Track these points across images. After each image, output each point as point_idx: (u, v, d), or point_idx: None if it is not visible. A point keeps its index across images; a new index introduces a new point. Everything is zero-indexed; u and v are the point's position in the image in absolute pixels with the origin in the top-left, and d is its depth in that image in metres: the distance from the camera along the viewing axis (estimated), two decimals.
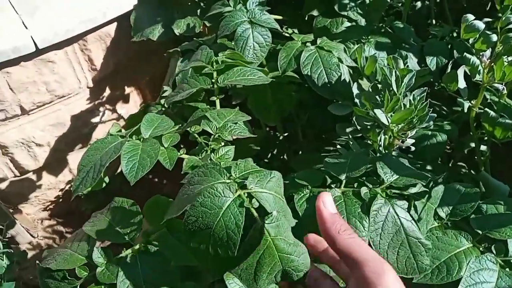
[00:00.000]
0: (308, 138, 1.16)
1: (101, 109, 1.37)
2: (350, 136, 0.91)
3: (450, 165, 1.12)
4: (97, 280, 0.59)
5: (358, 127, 0.89)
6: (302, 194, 0.66)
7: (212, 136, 0.64)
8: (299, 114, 1.12)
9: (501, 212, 0.71)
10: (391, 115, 0.74)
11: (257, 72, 0.79)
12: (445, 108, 1.12)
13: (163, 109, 1.06)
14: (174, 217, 0.53)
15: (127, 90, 1.44)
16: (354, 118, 0.90)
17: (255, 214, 0.49)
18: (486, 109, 0.86)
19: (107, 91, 1.37)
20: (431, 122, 1.03)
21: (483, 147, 1.05)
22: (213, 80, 0.73)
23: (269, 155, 1.12)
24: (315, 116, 1.11)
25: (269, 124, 1.13)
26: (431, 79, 1.01)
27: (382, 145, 0.80)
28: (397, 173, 0.64)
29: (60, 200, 1.47)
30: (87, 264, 0.61)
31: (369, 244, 0.60)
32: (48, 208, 1.48)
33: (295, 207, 0.64)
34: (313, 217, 0.50)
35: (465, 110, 0.86)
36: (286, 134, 1.23)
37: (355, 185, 0.65)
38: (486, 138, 1.06)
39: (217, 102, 0.72)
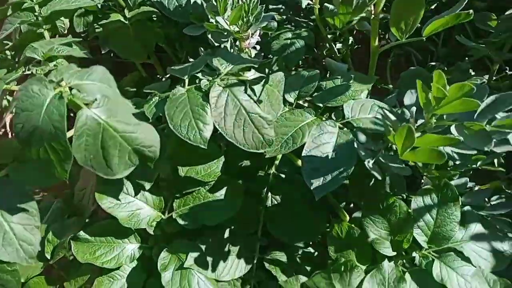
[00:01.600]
0: None
1: None
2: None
3: None
4: None
5: (215, 44, 0.93)
6: (152, 101, 0.70)
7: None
8: (169, 47, 1.14)
9: (337, 84, 0.81)
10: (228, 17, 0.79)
11: None
12: (304, 20, 1.21)
13: None
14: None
15: None
16: (210, 36, 0.94)
17: (82, 104, 0.52)
18: (325, 4, 0.95)
19: None
20: (290, 34, 1.11)
21: (339, 45, 1.16)
22: (36, 14, 0.74)
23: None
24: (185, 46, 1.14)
25: (135, 61, 1.14)
26: None
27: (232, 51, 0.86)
28: (232, 63, 0.70)
29: None
30: None
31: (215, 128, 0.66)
32: None
33: None
34: None
35: (303, 6, 0.94)
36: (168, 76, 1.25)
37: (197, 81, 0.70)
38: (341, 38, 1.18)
39: (46, 34, 0.73)
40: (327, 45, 1.14)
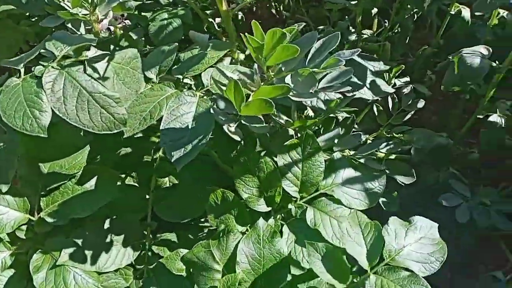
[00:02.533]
0: None
1: None
2: None
3: None
4: None
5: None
6: None
7: None
8: None
9: (194, 54, 0.80)
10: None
11: None
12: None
13: None
14: None
15: None
16: (70, 26, 0.90)
17: None
18: None
19: None
20: (166, 15, 1.09)
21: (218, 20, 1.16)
22: None
23: None
24: None
25: None
26: None
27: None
28: (69, 45, 0.67)
29: None
30: None
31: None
32: None
33: None
34: None
35: None
36: None
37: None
38: None
39: None
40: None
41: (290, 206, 0.75)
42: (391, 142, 1.05)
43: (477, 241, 1.29)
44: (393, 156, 1.04)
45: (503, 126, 0.97)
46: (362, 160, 0.85)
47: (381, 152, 1.03)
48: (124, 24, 0.84)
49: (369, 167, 0.83)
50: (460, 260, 1.28)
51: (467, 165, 1.27)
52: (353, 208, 0.73)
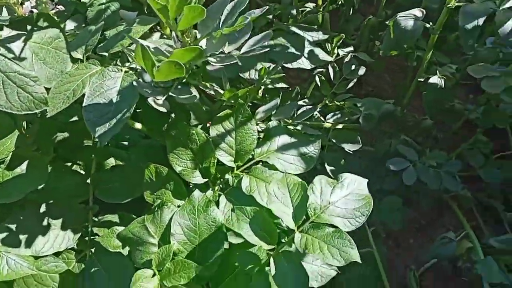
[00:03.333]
0: None
1: None
2: None
3: None
4: None
5: None
6: None
7: None
8: None
9: (119, 31, 0.79)
10: None
11: None
12: None
13: None
14: None
15: None
16: None
17: None
18: None
19: None
20: None
21: None
22: None
23: None
24: None
25: None
26: None
27: None
28: None
29: None
30: None
31: None
32: None
33: None
34: None
35: None
36: None
37: None
38: None
39: None
40: None
41: (227, 176, 0.75)
42: (337, 112, 1.06)
43: (436, 205, 1.32)
44: (340, 126, 1.05)
45: (443, 87, 0.98)
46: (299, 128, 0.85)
47: (328, 122, 1.04)
48: (57, 9, 0.82)
49: (306, 134, 0.84)
50: (418, 225, 1.31)
51: (422, 132, 1.28)
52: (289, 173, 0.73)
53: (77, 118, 0.86)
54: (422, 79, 1.00)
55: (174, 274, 0.63)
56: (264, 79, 0.77)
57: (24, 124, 0.83)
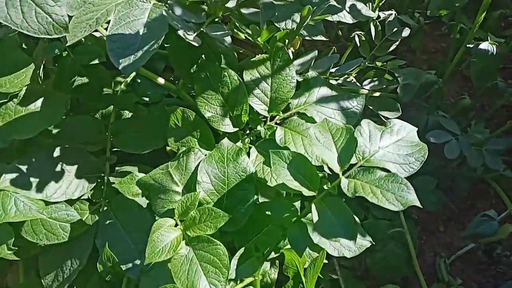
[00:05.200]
0: None
1: None
2: None
3: None
4: None
5: None
6: None
7: None
8: None
9: None
10: None
11: None
12: None
13: None
14: None
15: None
16: None
17: None
18: None
19: None
20: None
21: None
22: None
23: None
24: None
25: None
26: None
27: None
28: None
29: None
30: None
31: None
32: None
33: None
34: None
35: None
36: None
37: None
38: None
39: None
40: None
41: (259, 128, 0.68)
42: (375, 78, 0.98)
43: (470, 192, 1.23)
44: (377, 94, 0.97)
45: (494, 53, 0.89)
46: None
47: (365, 89, 0.96)
48: None
49: (346, 89, 0.76)
50: (450, 212, 1.22)
51: (460, 112, 1.20)
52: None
53: (97, 61, 0.79)
54: (471, 45, 0.92)
55: (200, 223, 0.56)
56: (307, 21, 0.69)
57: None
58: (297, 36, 0.74)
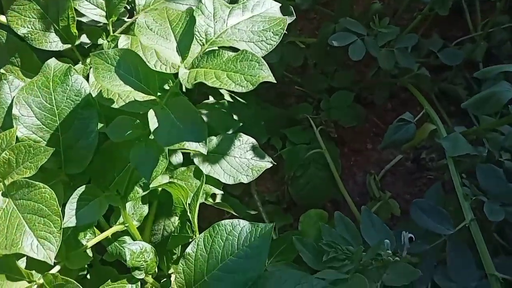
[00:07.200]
0: None
1: None
2: None
3: None
4: None
5: None
6: None
7: None
8: None
9: None
10: None
11: None
12: None
13: None
14: None
15: None
16: None
17: None
18: None
19: None
20: None
21: None
22: None
23: None
24: None
25: None
26: None
27: None
28: None
29: None
30: None
31: None
32: None
33: None
34: None
35: None
36: None
37: None
38: None
39: None
40: None
41: (100, 41, 0.54)
42: None
43: (394, 103, 1.17)
44: None
45: None
46: None
47: None
48: None
49: None
50: (376, 129, 1.15)
51: (372, 19, 1.10)
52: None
53: None
54: None
55: (18, 166, 0.42)
56: None
57: None
58: None
